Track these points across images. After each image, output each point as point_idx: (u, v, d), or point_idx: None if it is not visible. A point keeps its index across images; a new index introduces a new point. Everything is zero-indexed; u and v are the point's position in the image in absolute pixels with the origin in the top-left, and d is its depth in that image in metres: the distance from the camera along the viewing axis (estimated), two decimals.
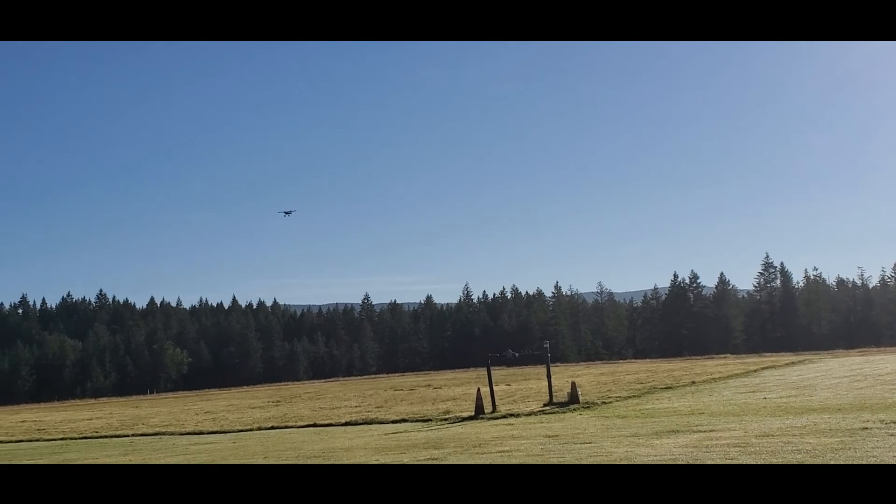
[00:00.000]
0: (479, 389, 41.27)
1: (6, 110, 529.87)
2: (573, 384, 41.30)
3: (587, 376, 67.82)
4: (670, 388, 46.61)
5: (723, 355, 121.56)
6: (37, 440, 46.21)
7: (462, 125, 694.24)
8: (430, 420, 38.05)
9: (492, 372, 43.35)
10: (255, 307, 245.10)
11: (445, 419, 37.85)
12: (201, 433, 42.17)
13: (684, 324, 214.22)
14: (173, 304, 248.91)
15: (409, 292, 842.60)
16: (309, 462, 25.17)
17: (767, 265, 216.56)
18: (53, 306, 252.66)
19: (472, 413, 38.59)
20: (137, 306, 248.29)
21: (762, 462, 17.62)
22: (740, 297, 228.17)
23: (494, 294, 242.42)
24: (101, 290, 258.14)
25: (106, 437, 44.95)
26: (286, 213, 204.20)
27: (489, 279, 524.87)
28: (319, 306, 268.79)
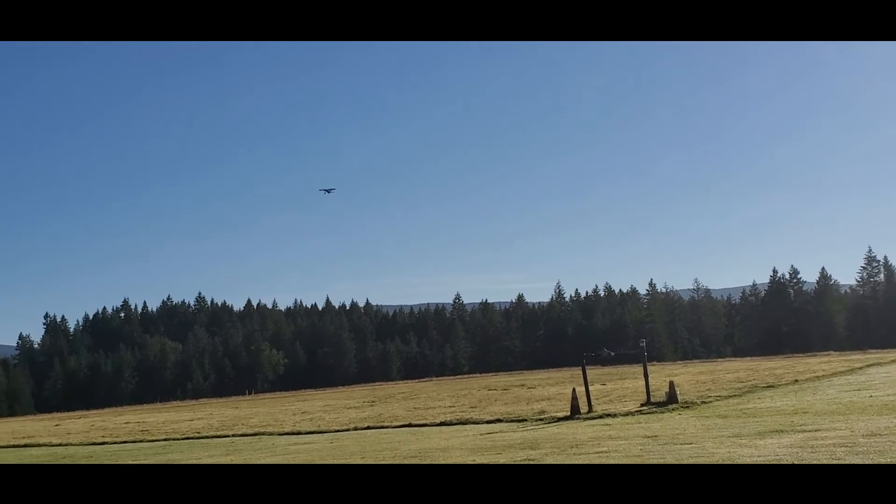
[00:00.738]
0: (574, 389, 40.80)
1: (100, 118, 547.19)
2: (671, 383, 40.54)
3: (685, 375, 66.58)
4: (772, 386, 45.41)
5: (825, 352, 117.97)
6: (140, 441, 47.33)
7: (553, 125, 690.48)
8: (526, 420, 37.76)
9: (587, 371, 42.81)
10: (348, 308, 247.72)
11: (541, 419, 37.53)
12: (299, 433, 42.64)
13: (785, 320, 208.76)
14: (269, 305, 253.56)
15: (500, 291, 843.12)
16: (406, 462, 25.19)
17: (870, 259, 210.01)
18: (154, 309, 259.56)
19: (568, 413, 38.15)
20: (235, 308, 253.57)
21: (870, 462, 16.98)
22: (843, 292, 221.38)
23: (587, 292, 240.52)
24: (199, 293, 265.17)
25: (207, 437, 45.81)
26: (326, 191, 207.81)
27: (582, 277, 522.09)
28: (411, 306, 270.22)
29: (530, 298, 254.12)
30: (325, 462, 27.56)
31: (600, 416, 35.53)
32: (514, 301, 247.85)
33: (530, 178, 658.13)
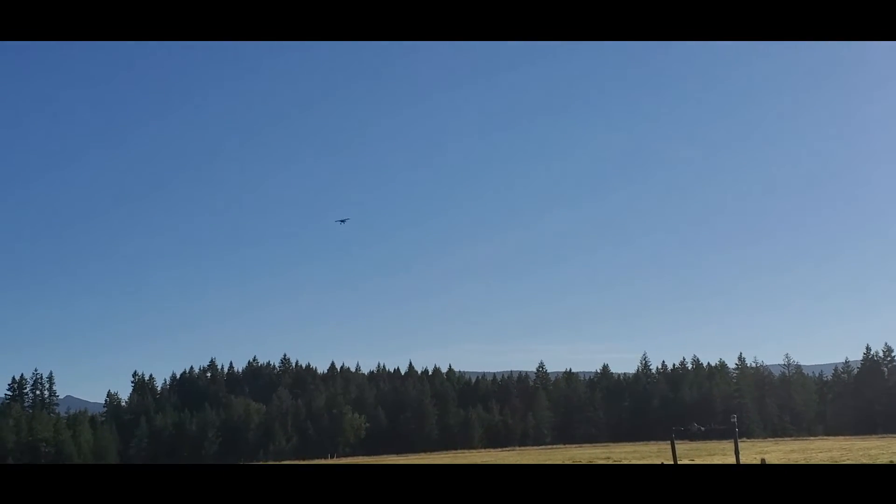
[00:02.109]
0: (661, 464, 39.83)
1: (195, 177, 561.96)
2: (763, 461, 39.38)
3: (776, 453, 64.59)
4: None
5: None
6: None
7: (644, 198, 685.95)
8: None
9: (675, 446, 41.79)
10: (430, 373, 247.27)
11: None
12: None
13: (878, 399, 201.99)
14: (352, 369, 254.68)
15: (584, 360, 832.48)
16: None
17: None
18: (240, 370, 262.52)
19: None
20: (318, 371, 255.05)
21: None
22: None
23: (674, 364, 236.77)
24: (284, 355, 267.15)
25: None
26: (341, 221, 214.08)
27: (669, 348, 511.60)
28: (494, 373, 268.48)
29: (615, 369, 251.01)
30: None
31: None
32: (598, 371, 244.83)
33: (617, 249, 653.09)
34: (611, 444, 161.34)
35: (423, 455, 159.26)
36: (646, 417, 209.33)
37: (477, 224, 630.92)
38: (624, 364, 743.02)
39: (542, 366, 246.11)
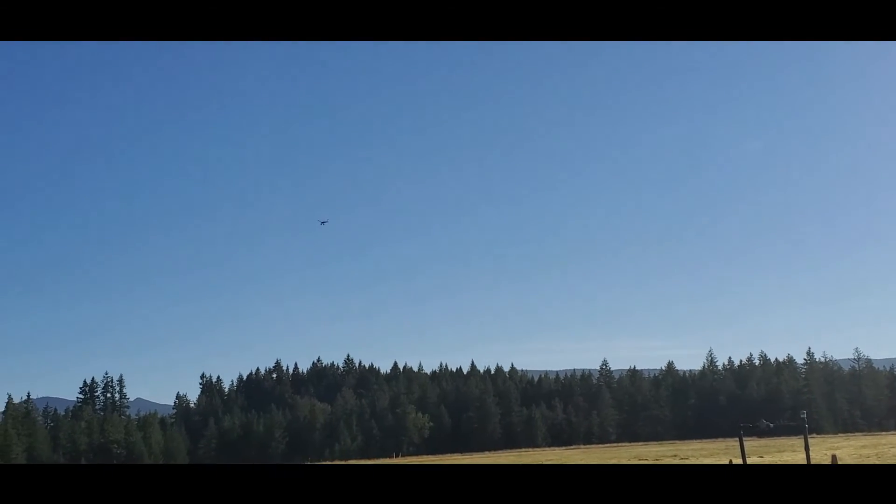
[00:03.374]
0: (730, 461, 39.57)
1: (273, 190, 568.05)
2: (833, 458, 38.88)
3: (847, 449, 63.58)
4: None
5: None
6: None
7: (707, 187, 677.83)
8: None
9: (744, 443, 41.40)
10: (493, 372, 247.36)
11: None
12: None
13: None
14: (415, 368, 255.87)
15: (649, 358, 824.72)
16: None
17: None
18: (305, 371, 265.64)
19: None
20: (382, 371, 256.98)
21: None
22: None
23: (741, 360, 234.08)
24: (348, 355, 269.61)
25: None
26: (322, 222, 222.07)
27: (735, 344, 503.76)
28: (556, 372, 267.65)
29: (680, 366, 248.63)
30: None
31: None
32: (663, 369, 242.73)
33: (681, 241, 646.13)
34: (677, 442, 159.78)
35: (486, 454, 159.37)
36: (712, 415, 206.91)
37: (538, 220, 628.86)
38: (689, 361, 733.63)
39: (605, 364, 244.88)
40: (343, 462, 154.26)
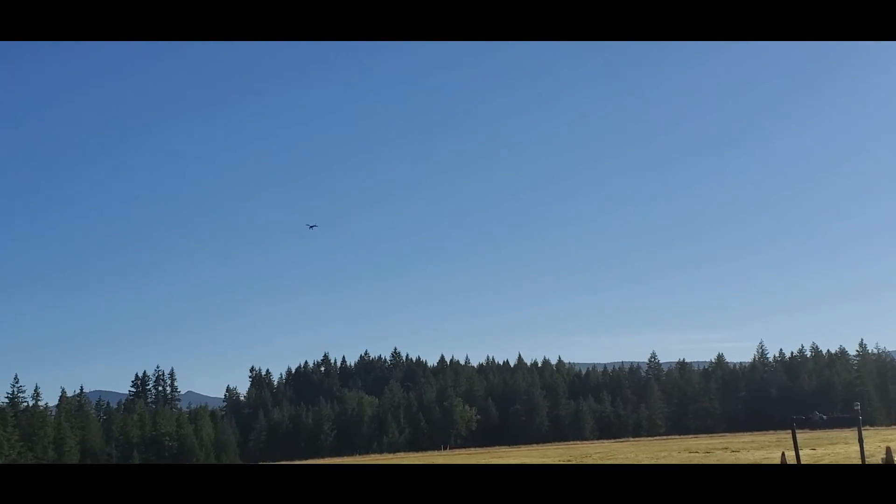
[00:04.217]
0: (783, 454, 39.04)
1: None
2: (888, 450, 38.11)
3: None
4: None
5: None
6: None
7: (757, 177, 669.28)
8: None
9: (796, 435, 40.81)
10: (540, 365, 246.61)
11: None
12: None
13: None
14: (462, 361, 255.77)
15: (698, 350, 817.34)
16: None
17: None
18: (352, 364, 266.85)
19: None
20: (429, 364, 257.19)
21: None
22: None
23: (792, 352, 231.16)
24: (395, 349, 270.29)
25: None
26: (311, 226, 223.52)
27: (786, 336, 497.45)
28: (604, 364, 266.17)
29: (731, 358, 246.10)
30: None
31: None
32: (713, 361, 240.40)
33: (729, 235, 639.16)
34: (727, 434, 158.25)
35: (534, 447, 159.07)
36: (763, 407, 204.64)
37: (586, 213, 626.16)
38: (739, 353, 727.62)
39: (654, 356, 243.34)
40: (457, 454, 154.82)
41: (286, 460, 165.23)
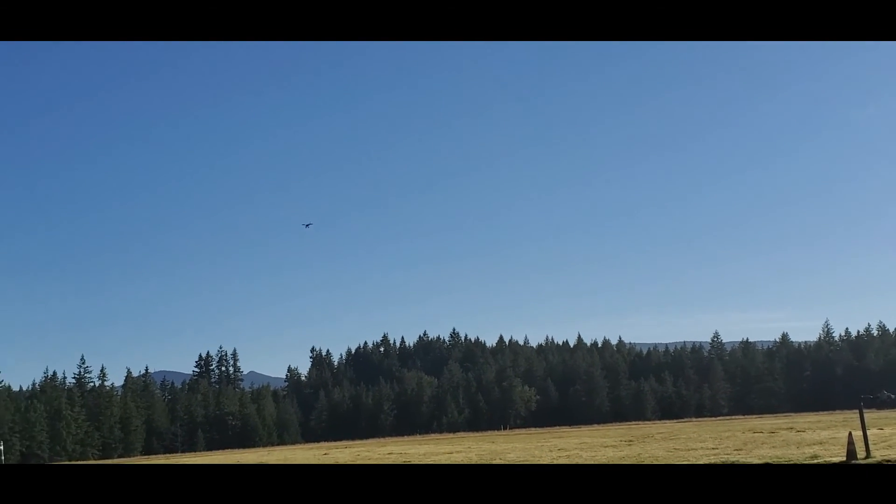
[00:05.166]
0: (850, 433, 38.07)
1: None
2: None
3: None
4: None
5: None
6: None
7: (827, 157, 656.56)
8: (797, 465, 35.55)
9: (864, 414, 39.85)
10: (599, 345, 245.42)
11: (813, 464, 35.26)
12: None
13: None
14: (521, 342, 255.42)
15: (762, 330, 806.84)
16: None
17: None
18: (411, 344, 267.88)
19: (844, 458, 35.76)
20: (487, 344, 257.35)
21: None
22: None
23: (858, 331, 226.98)
24: (454, 329, 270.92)
25: None
26: (306, 225, 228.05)
27: (852, 315, 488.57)
28: (666, 344, 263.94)
29: (795, 338, 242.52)
30: None
31: (879, 462, 32.97)
32: (777, 340, 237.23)
33: (794, 212, 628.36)
34: (792, 414, 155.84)
35: (594, 427, 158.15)
36: (828, 387, 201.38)
37: (644, 194, 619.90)
38: (804, 332, 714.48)
39: (716, 336, 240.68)
40: (515, 433, 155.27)
41: (347, 440, 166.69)
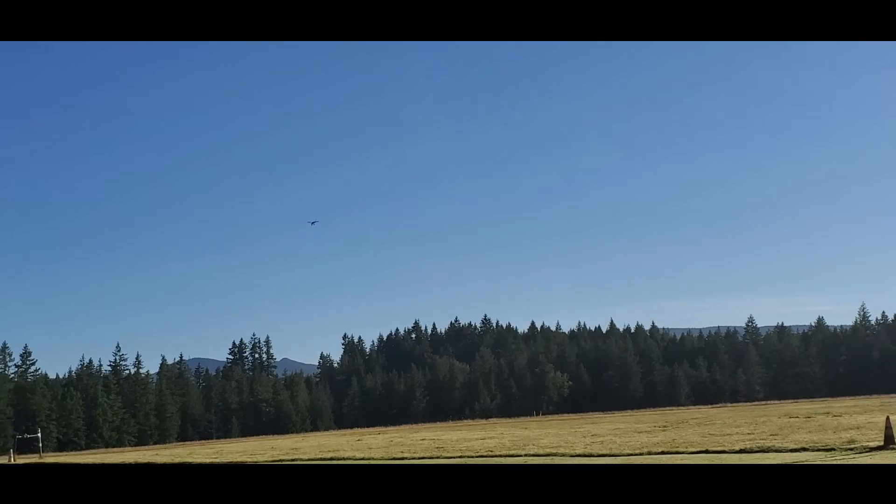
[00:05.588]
0: (888, 418, 37.52)
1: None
2: None
3: None
4: None
5: None
6: (437, 458, 48.41)
7: (863, 142, 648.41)
8: (834, 450, 35.11)
9: None
10: (633, 331, 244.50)
11: (851, 449, 34.77)
12: (590, 455, 41.97)
13: None
14: (553, 327, 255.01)
15: (797, 314, 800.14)
16: None
17: None
18: (443, 331, 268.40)
19: (881, 443, 35.26)
20: (519, 330, 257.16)
21: None
22: None
23: (895, 315, 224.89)
24: (485, 315, 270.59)
25: (500, 456, 46.14)
26: (312, 223, 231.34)
27: (889, 298, 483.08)
28: (700, 329, 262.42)
29: (831, 322, 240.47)
30: None
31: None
32: (812, 325, 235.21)
33: (831, 195, 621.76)
34: (828, 399, 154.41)
35: (628, 413, 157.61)
36: (865, 371, 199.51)
37: (677, 179, 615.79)
38: (840, 316, 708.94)
39: (751, 320, 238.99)
40: (550, 419, 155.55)
41: (380, 426, 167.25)
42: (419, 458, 48.46)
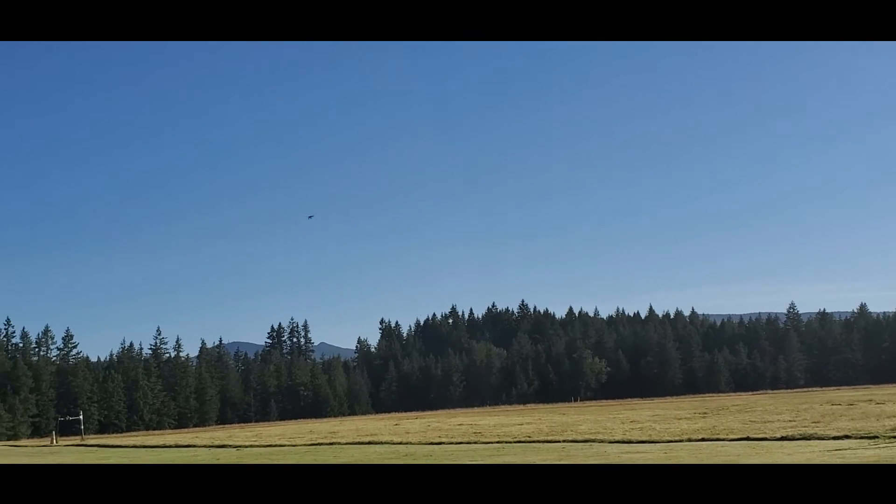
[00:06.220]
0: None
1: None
2: None
3: None
4: None
5: None
6: (474, 443, 48.29)
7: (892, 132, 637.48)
8: (877, 437, 34.50)
9: None
10: (672, 317, 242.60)
11: (894, 437, 34.16)
12: (630, 442, 41.62)
13: None
14: (591, 313, 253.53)
15: (840, 301, 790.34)
16: None
17: None
18: (480, 316, 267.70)
19: None
20: (557, 316, 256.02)
21: None
22: None
23: None
24: (522, 301, 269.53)
25: (538, 442, 45.91)
26: (310, 217, 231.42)
27: None
28: (740, 315, 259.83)
29: (874, 308, 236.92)
30: None
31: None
32: (855, 311, 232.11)
33: (870, 183, 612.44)
34: (871, 386, 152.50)
35: (667, 399, 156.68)
36: None
37: (717, 167, 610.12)
38: (883, 303, 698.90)
39: (793, 307, 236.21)
40: (586, 405, 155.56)
41: (417, 411, 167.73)
42: (457, 444, 48.37)
